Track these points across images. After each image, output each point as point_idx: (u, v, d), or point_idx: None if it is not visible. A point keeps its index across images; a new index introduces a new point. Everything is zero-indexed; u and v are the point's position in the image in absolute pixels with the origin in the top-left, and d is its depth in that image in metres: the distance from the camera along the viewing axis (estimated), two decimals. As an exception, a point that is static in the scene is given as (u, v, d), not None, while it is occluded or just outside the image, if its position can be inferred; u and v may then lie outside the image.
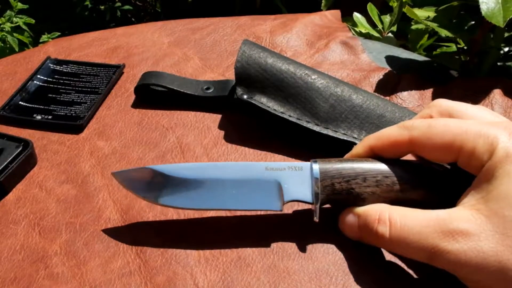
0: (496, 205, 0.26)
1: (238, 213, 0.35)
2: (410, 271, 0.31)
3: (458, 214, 0.27)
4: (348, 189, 0.31)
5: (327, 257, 0.32)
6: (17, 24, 1.12)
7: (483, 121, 0.29)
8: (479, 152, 0.28)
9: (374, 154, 0.33)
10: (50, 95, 0.47)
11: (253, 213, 0.35)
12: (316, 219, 0.32)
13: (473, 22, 0.50)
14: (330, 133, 0.39)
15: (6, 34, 1.08)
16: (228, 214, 0.35)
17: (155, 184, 0.33)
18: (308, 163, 0.33)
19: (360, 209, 0.31)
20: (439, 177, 0.31)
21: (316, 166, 0.32)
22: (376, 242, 0.30)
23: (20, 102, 0.46)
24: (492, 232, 0.26)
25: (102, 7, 1.50)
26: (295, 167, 0.33)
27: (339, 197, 0.31)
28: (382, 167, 0.31)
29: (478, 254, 0.26)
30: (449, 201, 0.29)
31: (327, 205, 0.33)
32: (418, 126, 0.30)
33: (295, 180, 0.32)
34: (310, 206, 0.33)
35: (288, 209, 0.35)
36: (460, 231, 0.26)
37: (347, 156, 0.34)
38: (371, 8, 0.66)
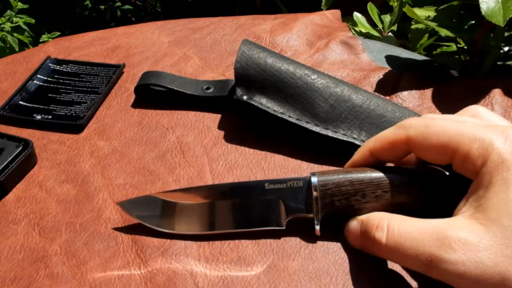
0: (494, 214, 0.25)
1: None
2: (410, 272, 0.31)
3: (456, 222, 0.27)
4: (347, 205, 0.32)
5: (327, 257, 0.32)
6: (17, 24, 1.12)
7: (481, 123, 0.29)
8: (473, 156, 0.27)
9: (374, 158, 0.32)
10: (50, 95, 0.47)
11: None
12: (317, 233, 0.33)
13: (473, 22, 0.50)
14: (330, 133, 0.39)
15: (6, 34, 1.08)
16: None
17: (157, 211, 0.34)
18: (307, 178, 0.33)
19: (363, 216, 0.31)
20: (440, 188, 0.31)
21: (316, 184, 0.32)
22: (374, 249, 0.30)
23: (20, 102, 0.46)
24: (491, 242, 0.25)
25: (102, 7, 1.50)
26: (294, 183, 0.33)
27: (339, 212, 0.32)
28: (381, 180, 0.31)
29: (477, 265, 0.25)
30: (450, 210, 0.29)
31: None
32: (415, 125, 0.30)
33: (296, 198, 0.33)
34: None
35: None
36: (458, 240, 0.26)
37: (348, 164, 0.34)
38: (371, 8, 0.66)
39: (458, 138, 0.28)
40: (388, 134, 0.31)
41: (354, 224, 0.31)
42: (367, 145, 0.33)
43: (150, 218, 0.34)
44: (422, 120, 0.30)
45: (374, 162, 0.33)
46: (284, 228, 0.33)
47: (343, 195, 0.31)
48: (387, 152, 0.32)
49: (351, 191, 0.31)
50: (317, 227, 0.32)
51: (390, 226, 0.29)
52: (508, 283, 0.24)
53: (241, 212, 0.34)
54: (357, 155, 0.33)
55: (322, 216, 0.32)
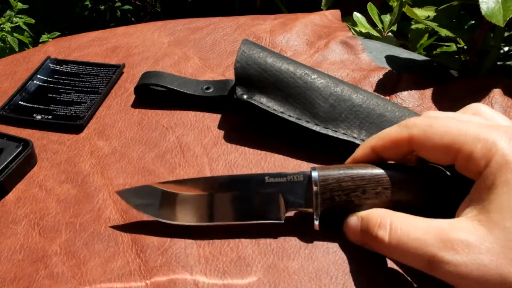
0: (497, 216, 0.25)
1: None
2: (410, 272, 0.31)
3: (459, 224, 0.27)
4: (347, 201, 0.31)
5: (327, 257, 0.32)
6: (17, 24, 1.12)
7: (484, 123, 0.29)
8: (476, 157, 0.27)
9: (376, 156, 0.32)
10: (50, 95, 0.47)
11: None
12: (316, 228, 0.32)
13: (473, 22, 0.50)
14: (330, 132, 0.39)
15: (6, 34, 1.08)
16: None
17: (157, 201, 0.34)
18: (308, 173, 0.33)
19: (364, 213, 0.31)
20: (441, 186, 0.31)
21: (316, 179, 0.32)
22: (376, 246, 0.30)
23: (20, 102, 0.46)
24: (493, 244, 0.25)
25: (102, 7, 1.50)
26: (295, 177, 0.33)
27: (338, 207, 0.32)
28: (382, 177, 0.31)
29: (479, 267, 0.25)
30: (451, 209, 0.29)
31: None
32: (418, 125, 0.30)
33: (295, 192, 0.33)
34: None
35: (288, 209, 0.35)
36: (460, 241, 0.26)
37: (349, 160, 0.34)
38: (371, 8, 0.66)
39: (461, 138, 0.28)
40: (391, 133, 0.31)
41: (354, 220, 0.31)
42: (369, 142, 0.33)
43: (149, 208, 0.34)
44: (426, 120, 0.30)
45: (375, 159, 0.33)
46: (282, 222, 0.33)
47: (343, 191, 0.31)
48: (389, 150, 0.32)
49: (352, 187, 0.31)
50: (316, 222, 0.32)
51: (393, 225, 0.28)
52: (509, 285, 0.24)
53: (240, 205, 0.33)
54: (359, 152, 0.33)
55: (322, 211, 0.32)
